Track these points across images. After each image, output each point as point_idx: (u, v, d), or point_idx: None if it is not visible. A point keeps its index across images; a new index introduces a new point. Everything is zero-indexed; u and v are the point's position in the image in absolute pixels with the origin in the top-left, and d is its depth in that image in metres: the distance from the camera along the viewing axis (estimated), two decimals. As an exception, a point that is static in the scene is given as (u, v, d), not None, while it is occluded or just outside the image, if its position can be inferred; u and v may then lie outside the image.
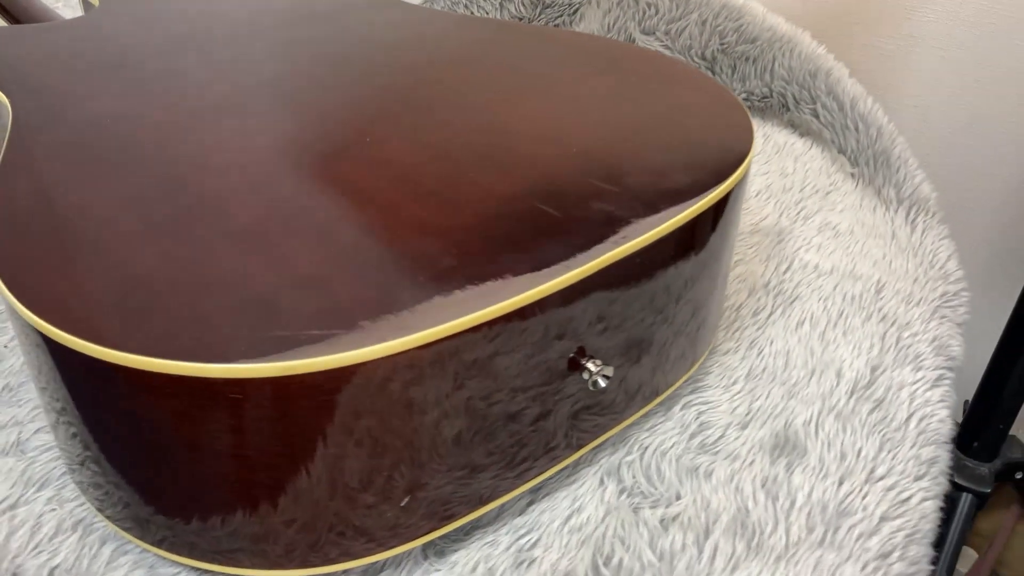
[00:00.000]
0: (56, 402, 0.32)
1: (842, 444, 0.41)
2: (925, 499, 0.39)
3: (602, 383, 0.34)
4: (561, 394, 0.34)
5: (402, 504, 0.32)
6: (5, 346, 0.44)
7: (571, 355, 0.34)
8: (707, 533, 0.36)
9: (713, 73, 0.69)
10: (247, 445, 0.29)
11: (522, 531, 0.36)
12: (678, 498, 0.38)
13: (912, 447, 0.41)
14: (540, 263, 0.32)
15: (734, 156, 0.39)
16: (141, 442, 0.30)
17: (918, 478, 0.40)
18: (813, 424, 0.41)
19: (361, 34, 0.52)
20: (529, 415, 0.34)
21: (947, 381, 0.47)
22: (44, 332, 0.29)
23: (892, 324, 0.49)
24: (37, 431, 0.39)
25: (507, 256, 0.32)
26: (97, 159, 0.38)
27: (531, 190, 0.36)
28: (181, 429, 0.29)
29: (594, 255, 0.32)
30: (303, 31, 0.52)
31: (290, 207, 0.34)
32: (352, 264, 0.31)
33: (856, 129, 0.63)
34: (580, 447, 0.37)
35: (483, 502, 0.35)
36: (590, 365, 0.34)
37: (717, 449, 0.40)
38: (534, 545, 0.36)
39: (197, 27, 0.52)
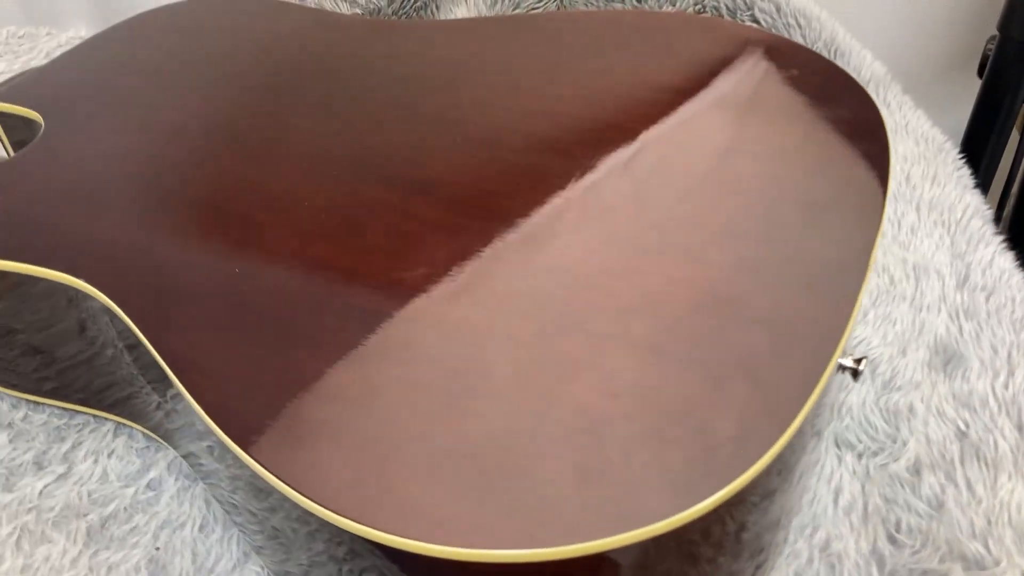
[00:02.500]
0: (338, 547, 0.29)
1: (989, 339, 0.44)
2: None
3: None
4: None
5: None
6: (157, 548, 0.39)
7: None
8: (952, 466, 0.39)
9: (639, 1, 0.69)
10: None
11: (807, 530, 0.37)
12: (904, 444, 0.40)
13: (1031, 318, 0.46)
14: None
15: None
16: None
17: (1051, 344, 0.45)
18: (954, 330, 0.45)
19: (382, 70, 0.47)
20: None
21: (1005, 243, 0.52)
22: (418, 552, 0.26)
23: (940, 209, 0.53)
24: (279, 629, 0.35)
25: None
26: (274, 323, 0.33)
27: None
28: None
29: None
30: (311, 79, 0.46)
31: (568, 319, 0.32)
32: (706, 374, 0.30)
33: (799, 25, 0.65)
34: None
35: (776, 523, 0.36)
36: (861, 367, 0.35)
37: (899, 384, 0.43)
38: (828, 541, 0.37)
39: (160, 124, 0.45)
